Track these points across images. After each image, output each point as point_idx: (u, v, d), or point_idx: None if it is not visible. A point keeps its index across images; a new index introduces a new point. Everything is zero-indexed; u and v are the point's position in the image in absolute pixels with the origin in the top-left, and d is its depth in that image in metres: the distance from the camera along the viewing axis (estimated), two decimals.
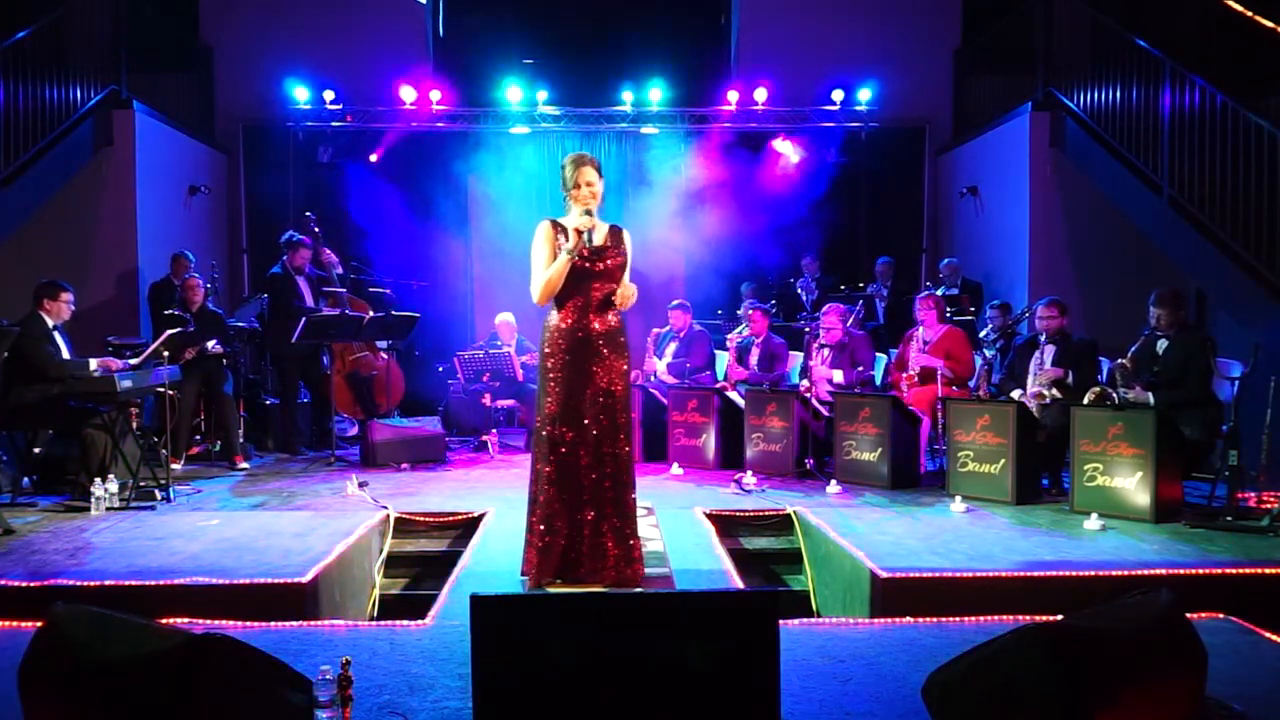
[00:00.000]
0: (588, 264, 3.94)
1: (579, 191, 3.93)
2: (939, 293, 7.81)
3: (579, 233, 3.88)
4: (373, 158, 10.06)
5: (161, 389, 5.99)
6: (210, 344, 6.97)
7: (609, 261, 3.97)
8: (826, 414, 6.67)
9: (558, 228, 3.97)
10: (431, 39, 10.74)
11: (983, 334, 7.95)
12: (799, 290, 9.60)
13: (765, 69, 10.19)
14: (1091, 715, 2.29)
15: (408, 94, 9.95)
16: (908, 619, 3.72)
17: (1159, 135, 7.22)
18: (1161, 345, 5.67)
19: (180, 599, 3.82)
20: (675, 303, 7.99)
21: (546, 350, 4.00)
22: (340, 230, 9.39)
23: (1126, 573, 4.08)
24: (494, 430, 7.89)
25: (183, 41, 9.95)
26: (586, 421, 3.92)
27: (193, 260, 8.02)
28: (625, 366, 4.03)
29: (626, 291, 3.97)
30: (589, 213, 3.92)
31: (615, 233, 4.06)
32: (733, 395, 7.15)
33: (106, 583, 3.93)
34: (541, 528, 3.96)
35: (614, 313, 4.02)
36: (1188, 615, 2.71)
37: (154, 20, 9.22)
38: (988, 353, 7.37)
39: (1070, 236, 8.76)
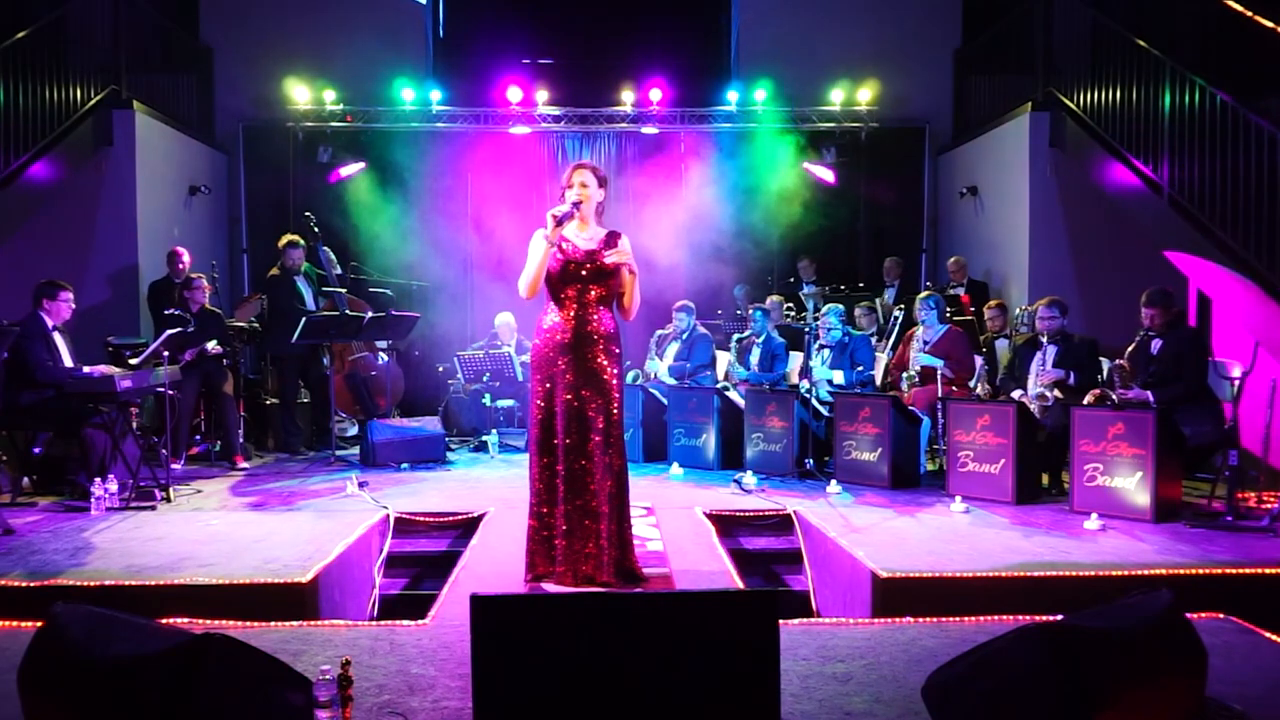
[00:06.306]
0: (571, 265, 3.96)
1: (570, 190, 4.01)
2: (944, 291, 7.81)
3: (554, 218, 3.91)
4: (355, 167, 10.01)
5: (161, 389, 5.99)
6: (210, 344, 6.97)
7: (591, 266, 3.97)
8: (826, 414, 6.67)
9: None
10: (431, 39, 10.74)
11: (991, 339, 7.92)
12: (803, 291, 9.61)
13: (765, 69, 10.19)
14: (1091, 715, 2.29)
15: (408, 94, 9.96)
16: (908, 619, 3.71)
17: (1159, 135, 7.21)
18: (1156, 345, 5.69)
19: (180, 599, 3.82)
20: (679, 304, 7.98)
21: (532, 350, 4.08)
22: (340, 230, 9.39)
23: (1126, 573, 4.09)
24: (494, 430, 7.89)
25: (183, 41, 9.95)
26: (566, 422, 3.94)
27: (185, 258, 7.97)
28: (609, 374, 3.98)
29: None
30: (577, 205, 3.97)
31: (611, 238, 4.05)
32: (733, 395, 7.15)
33: (106, 583, 3.93)
34: (535, 524, 4.03)
35: (601, 315, 4.00)
36: (1188, 615, 2.71)
37: (154, 20, 9.22)
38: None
39: (1070, 236, 8.75)
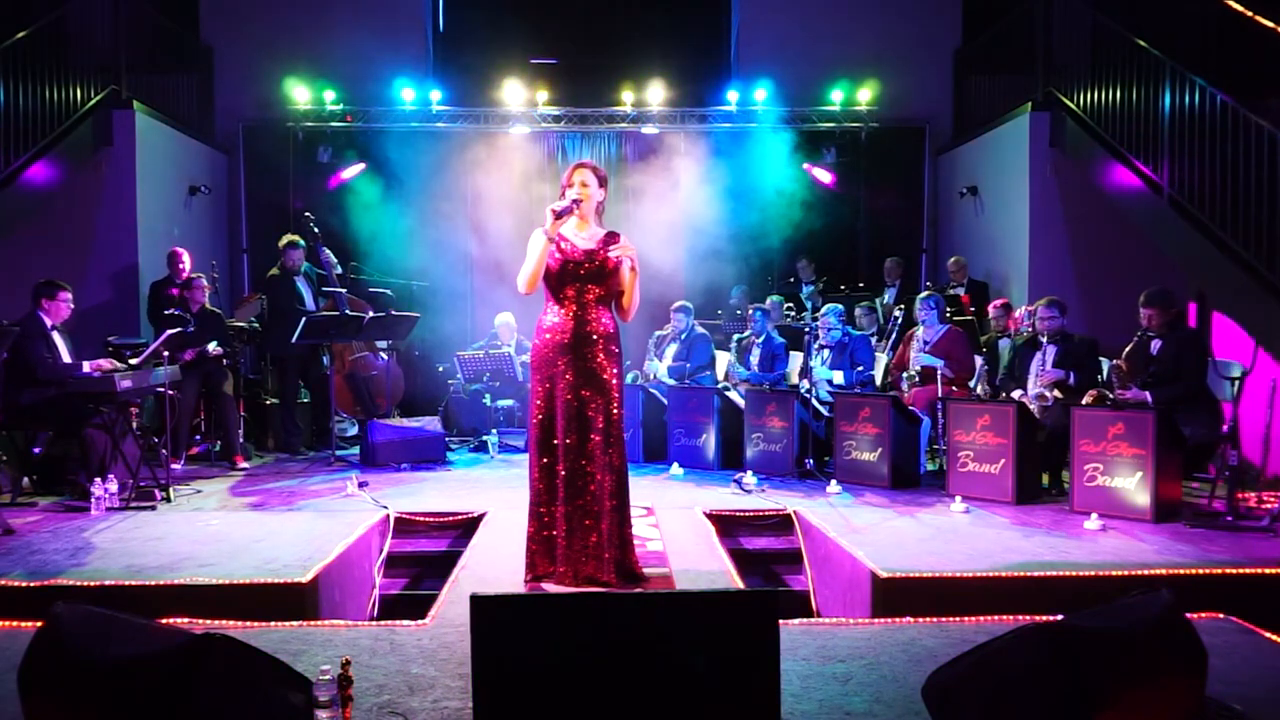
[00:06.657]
0: (570, 264, 3.96)
1: (570, 189, 4.02)
2: (944, 291, 7.81)
3: (554, 212, 3.93)
4: (355, 169, 10.02)
5: (161, 389, 5.99)
6: (210, 345, 6.97)
7: (590, 265, 3.98)
8: (826, 414, 6.67)
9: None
10: (431, 39, 10.74)
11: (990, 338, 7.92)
12: (803, 292, 9.61)
13: (765, 69, 10.19)
14: (1091, 715, 2.29)
15: (408, 94, 9.96)
16: (908, 619, 3.71)
17: (1159, 135, 7.21)
18: (1155, 345, 5.69)
19: (180, 599, 3.82)
20: (677, 304, 7.97)
21: (532, 350, 4.08)
22: (340, 230, 9.39)
23: (1126, 573, 4.09)
24: (494, 430, 7.89)
25: (183, 41, 9.94)
26: (566, 422, 3.94)
27: (185, 259, 7.96)
28: (609, 374, 3.99)
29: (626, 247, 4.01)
30: (577, 202, 3.98)
31: (610, 238, 4.06)
32: (733, 395, 7.15)
33: (106, 583, 3.93)
34: (535, 524, 4.02)
35: (601, 315, 4.01)
36: (1188, 615, 2.71)
37: (154, 20, 9.22)
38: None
39: (1070, 236, 8.75)
